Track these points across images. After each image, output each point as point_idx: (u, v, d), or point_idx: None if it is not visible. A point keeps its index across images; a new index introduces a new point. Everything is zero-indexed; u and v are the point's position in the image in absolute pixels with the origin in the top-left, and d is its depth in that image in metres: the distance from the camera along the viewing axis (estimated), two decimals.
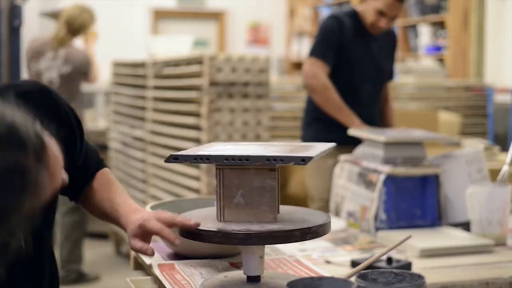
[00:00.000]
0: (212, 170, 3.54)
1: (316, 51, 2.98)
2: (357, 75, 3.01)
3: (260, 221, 1.30)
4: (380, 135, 2.21)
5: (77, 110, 5.19)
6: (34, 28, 7.42)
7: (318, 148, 1.37)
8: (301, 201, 3.25)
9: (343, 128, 2.94)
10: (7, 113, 0.95)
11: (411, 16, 7.25)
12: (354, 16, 3.04)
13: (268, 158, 1.26)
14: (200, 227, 1.29)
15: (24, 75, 4.82)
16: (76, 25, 4.45)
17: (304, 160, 1.25)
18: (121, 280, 1.86)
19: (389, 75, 3.18)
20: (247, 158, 1.27)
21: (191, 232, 1.30)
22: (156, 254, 1.64)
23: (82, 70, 4.47)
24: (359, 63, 3.00)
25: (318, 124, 3.10)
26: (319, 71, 2.93)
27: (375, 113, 3.11)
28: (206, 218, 1.36)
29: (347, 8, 3.14)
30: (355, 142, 2.99)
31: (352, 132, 2.54)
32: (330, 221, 1.34)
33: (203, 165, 3.65)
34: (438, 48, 6.88)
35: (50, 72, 4.41)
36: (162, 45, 7.98)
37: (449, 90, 5.38)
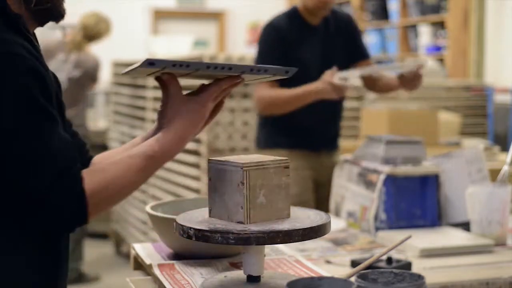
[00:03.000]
0: None
1: None
2: (305, 74, 2.94)
3: (277, 218, 1.33)
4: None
5: (80, 113, 5.16)
6: None
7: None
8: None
9: (292, 132, 2.97)
10: None
11: (411, 16, 7.25)
12: (294, 14, 2.96)
13: (253, 68, 1.29)
14: (200, 227, 1.29)
15: None
16: (93, 33, 4.50)
17: (288, 72, 1.32)
18: (121, 280, 1.86)
19: (358, 55, 3.05)
20: (237, 66, 1.27)
21: (191, 233, 1.30)
22: (156, 254, 1.64)
23: (91, 76, 4.51)
24: (306, 61, 2.92)
25: (268, 127, 3.04)
26: (263, 93, 2.86)
27: (335, 109, 3.05)
28: (205, 218, 1.36)
29: (288, 9, 3.04)
30: (304, 146, 3.00)
31: (342, 75, 2.62)
32: (330, 221, 1.34)
33: (204, 165, 3.65)
34: (438, 48, 6.88)
35: (59, 73, 4.42)
36: (162, 45, 7.99)
37: (449, 90, 5.38)
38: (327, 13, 2.95)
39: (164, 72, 1.27)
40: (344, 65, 2.93)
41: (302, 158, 2.99)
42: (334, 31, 3.02)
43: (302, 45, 2.93)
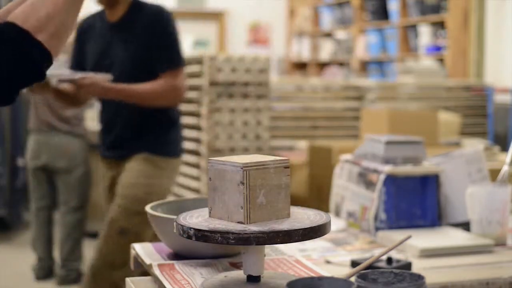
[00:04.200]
0: None
1: None
2: (87, 70, 2.96)
3: (277, 218, 1.33)
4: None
5: (79, 114, 5.16)
6: None
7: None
8: (300, 201, 3.25)
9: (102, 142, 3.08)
10: None
11: (411, 16, 7.26)
12: (101, 12, 3.03)
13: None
14: (200, 228, 1.29)
15: None
16: None
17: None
18: None
19: (155, 64, 2.87)
20: None
21: (191, 233, 1.30)
22: (156, 254, 1.64)
23: None
24: (87, 56, 2.99)
25: None
26: None
27: (121, 116, 2.97)
28: (205, 217, 1.36)
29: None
30: (102, 153, 3.08)
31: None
32: (330, 221, 1.34)
33: (204, 165, 3.65)
34: (438, 48, 6.88)
35: None
36: None
37: (449, 90, 5.39)
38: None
39: None
40: (135, 65, 2.87)
41: (104, 165, 3.10)
42: (135, 30, 2.91)
43: (90, 41, 3.01)
